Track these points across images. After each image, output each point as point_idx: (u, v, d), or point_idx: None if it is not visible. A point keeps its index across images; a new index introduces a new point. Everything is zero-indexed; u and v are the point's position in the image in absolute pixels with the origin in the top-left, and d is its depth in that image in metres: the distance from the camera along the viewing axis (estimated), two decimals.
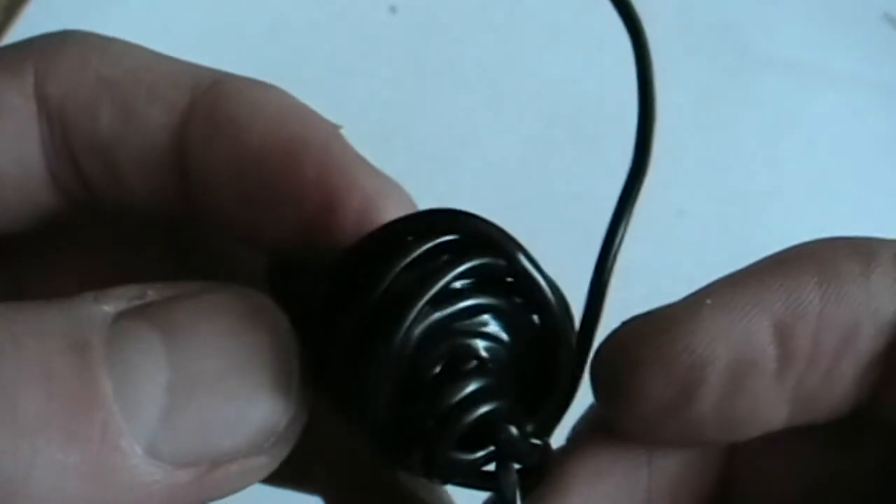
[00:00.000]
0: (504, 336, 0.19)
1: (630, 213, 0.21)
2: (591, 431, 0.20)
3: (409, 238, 0.19)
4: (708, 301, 0.19)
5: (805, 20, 0.65)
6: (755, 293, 0.19)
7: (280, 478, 0.26)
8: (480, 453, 0.19)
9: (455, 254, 0.19)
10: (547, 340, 0.20)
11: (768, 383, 0.18)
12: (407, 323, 0.18)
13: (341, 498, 0.25)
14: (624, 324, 0.20)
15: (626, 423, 0.19)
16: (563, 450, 0.21)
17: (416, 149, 0.56)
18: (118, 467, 0.16)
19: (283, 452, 0.18)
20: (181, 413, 0.17)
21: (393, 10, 0.62)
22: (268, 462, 0.18)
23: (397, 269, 0.18)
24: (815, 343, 0.18)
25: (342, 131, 0.21)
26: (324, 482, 0.25)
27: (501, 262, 0.19)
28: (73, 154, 0.21)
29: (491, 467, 0.19)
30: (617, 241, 0.20)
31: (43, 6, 0.56)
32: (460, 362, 0.19)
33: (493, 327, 0.19)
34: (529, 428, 0.19)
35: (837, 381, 0.19)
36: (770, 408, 0.19)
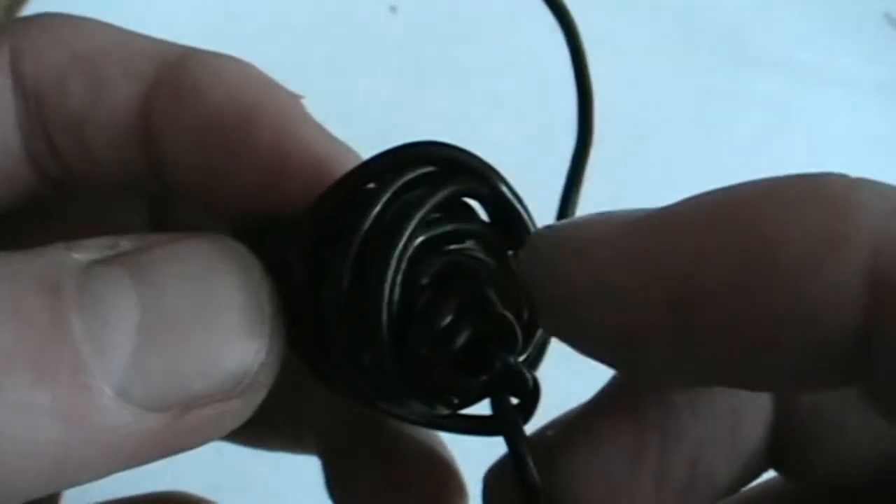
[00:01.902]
0: (489, 260, 0.19)
1: (578, 193, 0.22)
2: (602, 398, 0.20)
3: (387, 175, 0.19)
4: (603, 251, 0.17)
5: (805, 20, 0.65)
6: (658, 255, 0.16)
7: (275, 439, 0.26)
8: (478, 379, 0.19)
9: (433, 183, 0.19)
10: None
11: (668, 356, 0.17)
12: (396, 255, 0.18)
13: (337, 452, 0.25)
14: (542, 231, 0.19)
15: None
16: (573, 413, 0.21)
17: None
18: (88, 408, 0.16)
19: (256, 397, 0.18)
20: (152, 354, 0.17)
21: (393, 9, 0.62)
22: (241, 407, 0.18)
23: (377, 205, 0.18)
24: (726, 334, 0.16)
25: (303, 101, 0.21)
26: (317, 439, 0.25)
27: (483, 188, 0.19)
28: (46, 129, 0.21)
29: (485, 413, 0.20)
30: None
31: (43, 5, 0.56)
32: (449, 282, 0.19)
33: (478, 252, 0.19)
34: (522, 357, 0.19)
35: (767, 375, 0.16)
36: (684, 373, 0.17)
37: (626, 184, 0.57)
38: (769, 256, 0.15)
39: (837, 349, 0.15)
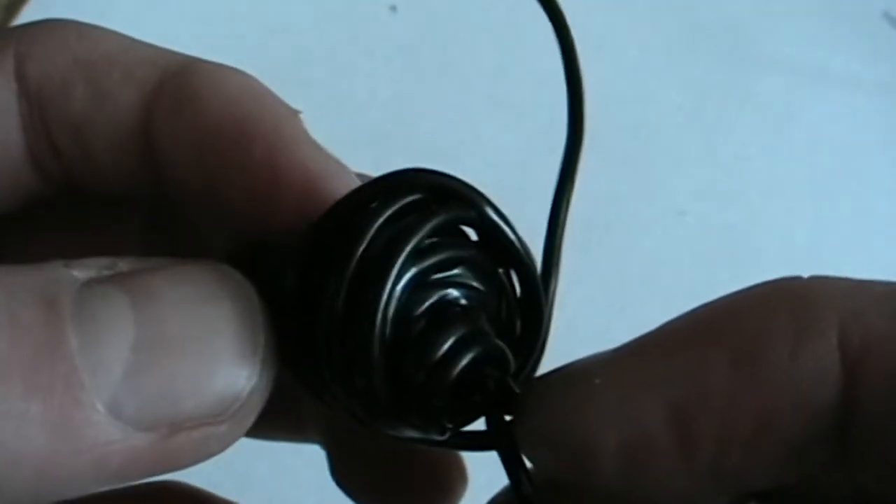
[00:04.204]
0: (479, 286, 0.19)
1: (571, 188, 0.22)
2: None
3: (374, 204, 0.19)
4: (597, 380, 0.18)
5: (805, 20, 0.65)
6: (651, 373, 0.18)
7: (278, 429, 0.26)
8: (473, 402, 0.19)
9: (422, 212, 0.19)
10: (518, 291, 0.20)
11: (672, 466, 0.17)
12: (389, 282, 0.18)
13: (340, 439, 0.25)
14: (532, 383, 0.20)
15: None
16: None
17: (416, 147, 0.56)
18: (79, 422, 0.16)
19: (246, 422, 0.18)
20: (145, 373, 0.17)
21: (393, 9, 0.62)
22: (229, 431, 0.18)
23: (367, 235, 0.19)
24: (723, 429, 0.17)
25: (301, 115, 0.21)
26: (319, 428, 0.26)
27: (471, 213, 0.19)
28: (49, 134, 0.21)
29: (482, 427, 0.20)
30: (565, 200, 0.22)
31: (43, 5, 0.56)
32: (443, 313, 0.19)
33: (468, 278, 0.19)
34: (515, 371, 0.20)
35: (763, 464, 0.17)
36: (686, 486, 0.18)
37: (624, 185, 0.57)
38: (754, 352, 0.17)
39: (824, 419, 0.17)
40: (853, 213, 0.59)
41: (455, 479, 0.24)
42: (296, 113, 0.21)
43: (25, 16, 0.56)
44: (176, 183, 0.21)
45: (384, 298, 0.18)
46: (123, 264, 0.18)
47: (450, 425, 0.20)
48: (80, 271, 0.17)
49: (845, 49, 0.64)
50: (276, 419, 0.26)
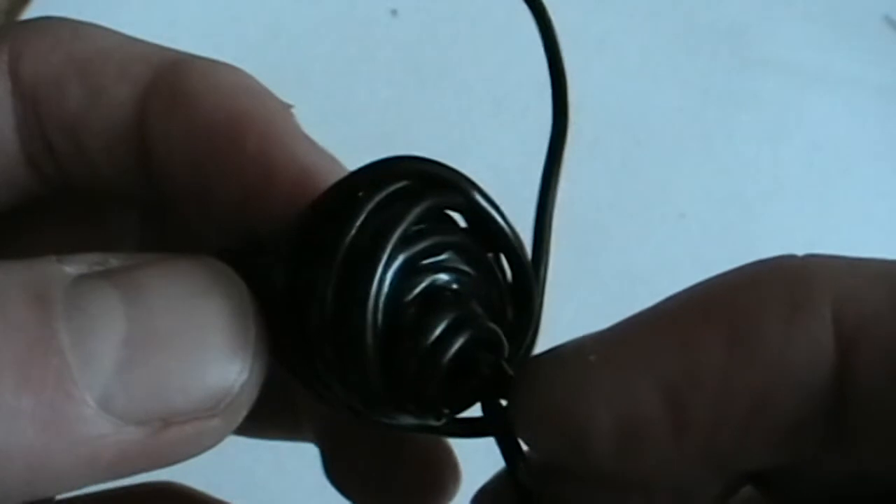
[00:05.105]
0: (469, 270, 0.19)
1: (556, 180, 0.22)
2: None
3: (360, 193, 0.19)
4: (592, 357, 0.18)
5: (805, 22, 0.65)
6: (646, 352, 0.18)
7: (273, 428, 0.27)
8: (468, 387, 0.19)
9: (409, 198, 0.19)
10: (507, 273, 0.20)
11: (666, 446, 0.17)
12: (379, 270, 0.18)
13: (334, 436, 0.25)
14: (526, 363, 0.20)
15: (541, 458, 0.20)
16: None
17: (417, 150, 0.56)
18: (70, 417, 0.16)
19: (237, 417, 0.19)
20: (136, 367, 0.17)
21: (394, 12, 0.62)
22: (221, 426, 0.18)
23: (355, 224, 0.19)
24: (717, 408, 0.17)
25: (294, 110, 0.21)
26: (314, 426, 0.26)
27: (458, 199, 0.19)
28: (44, 132, 0.22)
29: (477, 413, 0.20)
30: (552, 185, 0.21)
31: (43, 9, 0.56)
32: (434, 298, 0.19)
33: (458, 263, 0.19)
34: (508, 356, 0.19)
35: (758, 444, 0.17)
36: (681, 466, 0.18)
37: (624, 187, 0.57)
38: (748, 331, 0.17)
39: (819, 398, 0.17)
40: (853, 215, 0.59)
41: (448, 476, 0.24)
42: (288, 108, 0.21)
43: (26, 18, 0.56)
44: (170, 179, 0.21)
45: (375, 287, 0.18)
46: (114, 260, 0.18)
47: (446, 411, 0.20)
48: (72, 266, 0.17)
49: (846, 51, 0.64)
50: (272, 418, 0.26)
